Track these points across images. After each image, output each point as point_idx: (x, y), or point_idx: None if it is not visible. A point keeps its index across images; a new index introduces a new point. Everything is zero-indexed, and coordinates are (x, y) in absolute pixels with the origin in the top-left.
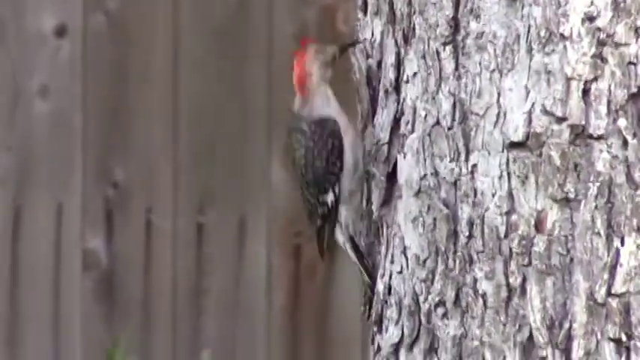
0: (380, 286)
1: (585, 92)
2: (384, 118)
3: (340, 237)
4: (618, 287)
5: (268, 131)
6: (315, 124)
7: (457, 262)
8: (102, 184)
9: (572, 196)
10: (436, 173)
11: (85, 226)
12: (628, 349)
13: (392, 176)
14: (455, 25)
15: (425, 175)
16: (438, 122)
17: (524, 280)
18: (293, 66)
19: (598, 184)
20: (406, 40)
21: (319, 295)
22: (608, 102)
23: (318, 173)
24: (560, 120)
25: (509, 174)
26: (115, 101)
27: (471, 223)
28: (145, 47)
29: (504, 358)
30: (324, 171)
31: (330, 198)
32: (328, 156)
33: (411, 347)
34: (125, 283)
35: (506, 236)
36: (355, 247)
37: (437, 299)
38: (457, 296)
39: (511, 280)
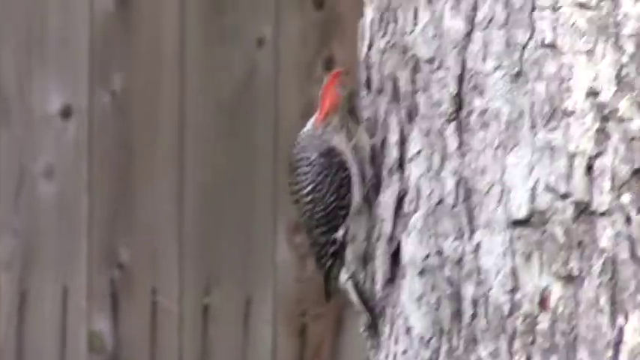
0: None
1: (589, 168)
2: (387, 197)
3: (343, 275)
4: None
5: (274, 210)
6: (323, 155)
7: (461, 341)
8: (107, 266)
9: (575, 273)
10: (440, 252)
11: (91, 308)
12: None
13: (396, 255)
14: (459, 102)
15: (429, 254)
16: (441, 201)
17: (528, 358)
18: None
19: (602, 260)
20: (410, 118)
21: None
22: (612, 178)
23: (330, 208)
24: (564, 196)
25: (512, 252)
26: (121, 182)
27: (475, 302)
28: (150, 127)
29: None
30: (336, 205)
31: (340, 234)
32: (339, 189)
33: None
34: None
35: (510, 315)
36: (357, 286)
37: None
38: None
39: (515, 359)
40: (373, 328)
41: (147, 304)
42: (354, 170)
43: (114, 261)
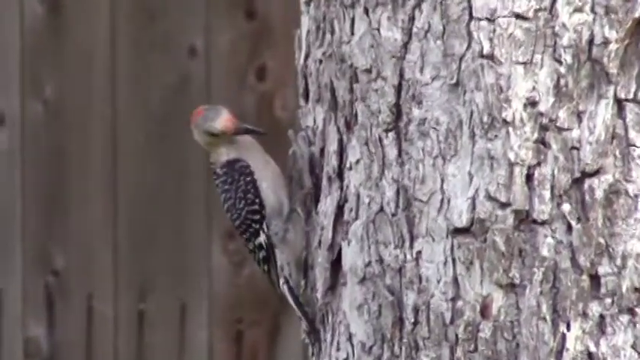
0: None
1: (529, 177)
2: (327, 205)
3: (278, 279)
4: None
5: (207, 217)
6: (225, 165)
7: (403, 348)
8: (42, 272)
9: (517, 281)
10: (381, 260)
11: (26, 313)
12: None
13: (336, 263)
14: (397, 111)
15: (369, 262)
16: (381, 209)
17: None
18: None
19: (543, 269)
20: (348, 127)
21: None
22: (552, 187)
23: (242, 215)
24: (504, 205)
25: (454, 260)
26: (54, 189)
27: (416, 310)
28: (83, 134)
29: None
30: (247, 212)
31: (262, 239)
32: (245, 195)
33: None
34: None
35: (451, 322)
36: (291, 291)
37: None
38: None
39: None
40: (313, 334)
41: (82, 310)
42: (264, 175)
43: (48, 267)
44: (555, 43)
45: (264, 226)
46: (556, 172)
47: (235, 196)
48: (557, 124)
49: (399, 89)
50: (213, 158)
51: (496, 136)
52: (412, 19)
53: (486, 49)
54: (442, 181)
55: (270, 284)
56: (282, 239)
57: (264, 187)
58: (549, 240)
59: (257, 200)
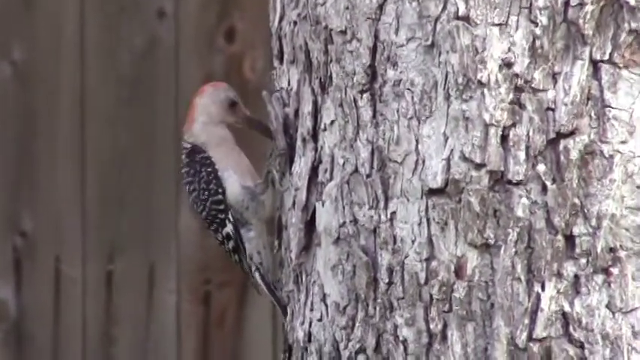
0: (300, 334)
1: (504, 138)
2: (301, 166)
3: (250, 268)
4: (539, 332)
5: (176, 179)
6: (186, 155)
7: (377, 308)
8: (10, 234)
9: (491, 241)
10: (355, 221)
11: None
12: None
13: (310, 224)
14: (372, 73)
15: (344, 222)
16: (356, 170)
17: (445, 326)
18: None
19: (518, 229)
20: (323, 88)
21: (229, 341)
22: (527, 148)
23: (207, 206)
24: (479, 166)
25: (428, 220)
26: (22, 151)
27: (390, 270)
28: (51, 97)
29: None
30: (211, 202)
31: (229, 229)
32: (207, 186)
33: None
34: (34, 332)
35: (426, 282)
36: (263, 278)
37: (357, 346)
38: (378, 343)
39: (432, 326)
40: (285, 316)
41: (50, 271)
42: (227, 166)
43: (17, 229)
44: (531, 4)
45: (230, 216)
46: (531, 132)
47: (199, 187)
48: (533, 85)
49: (373, 51)
50: (187, 134)
51: (471, 97)
52: None
53: (462, 11)
54: (417, 142)
55: (244, 273)
56: (247, 226)
57: (227, 177)
58: (524, 200)
59: (220, 190)
